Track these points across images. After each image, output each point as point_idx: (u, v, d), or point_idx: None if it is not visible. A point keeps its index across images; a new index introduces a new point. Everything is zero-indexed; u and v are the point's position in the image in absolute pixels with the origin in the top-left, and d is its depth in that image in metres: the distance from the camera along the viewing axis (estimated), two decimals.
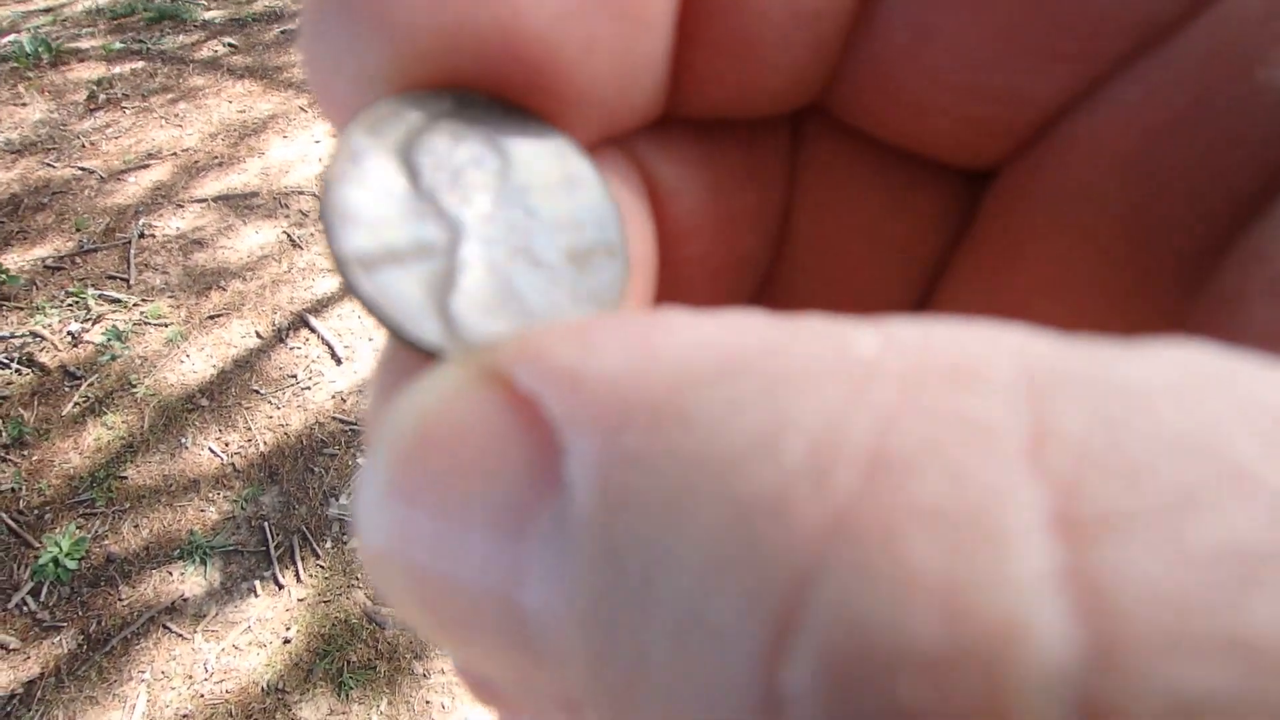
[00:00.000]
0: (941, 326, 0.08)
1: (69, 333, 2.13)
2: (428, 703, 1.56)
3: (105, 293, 2.23)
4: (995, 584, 0.06)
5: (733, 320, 0.08)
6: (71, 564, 1.73)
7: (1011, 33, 0.13)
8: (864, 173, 0.16)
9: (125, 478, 1.88)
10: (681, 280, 0.16)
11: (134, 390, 2.03)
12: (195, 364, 2.09)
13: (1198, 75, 0.13)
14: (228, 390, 2.03)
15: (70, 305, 2.20)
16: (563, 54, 0.12)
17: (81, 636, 1.66)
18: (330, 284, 2.25)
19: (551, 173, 0.12)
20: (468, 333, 0.11)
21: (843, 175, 0.16)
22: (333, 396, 2.00)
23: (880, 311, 0.17)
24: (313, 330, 2.14)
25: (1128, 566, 0.06)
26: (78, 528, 1.79)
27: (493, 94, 0.12)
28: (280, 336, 2.14)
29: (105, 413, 1.99)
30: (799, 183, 0.17)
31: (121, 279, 2.28)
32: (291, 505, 1.83)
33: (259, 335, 2.15)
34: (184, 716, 1.57)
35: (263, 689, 1.60)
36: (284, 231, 2.41)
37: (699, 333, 0.08)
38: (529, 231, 0.11)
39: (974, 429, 0.07)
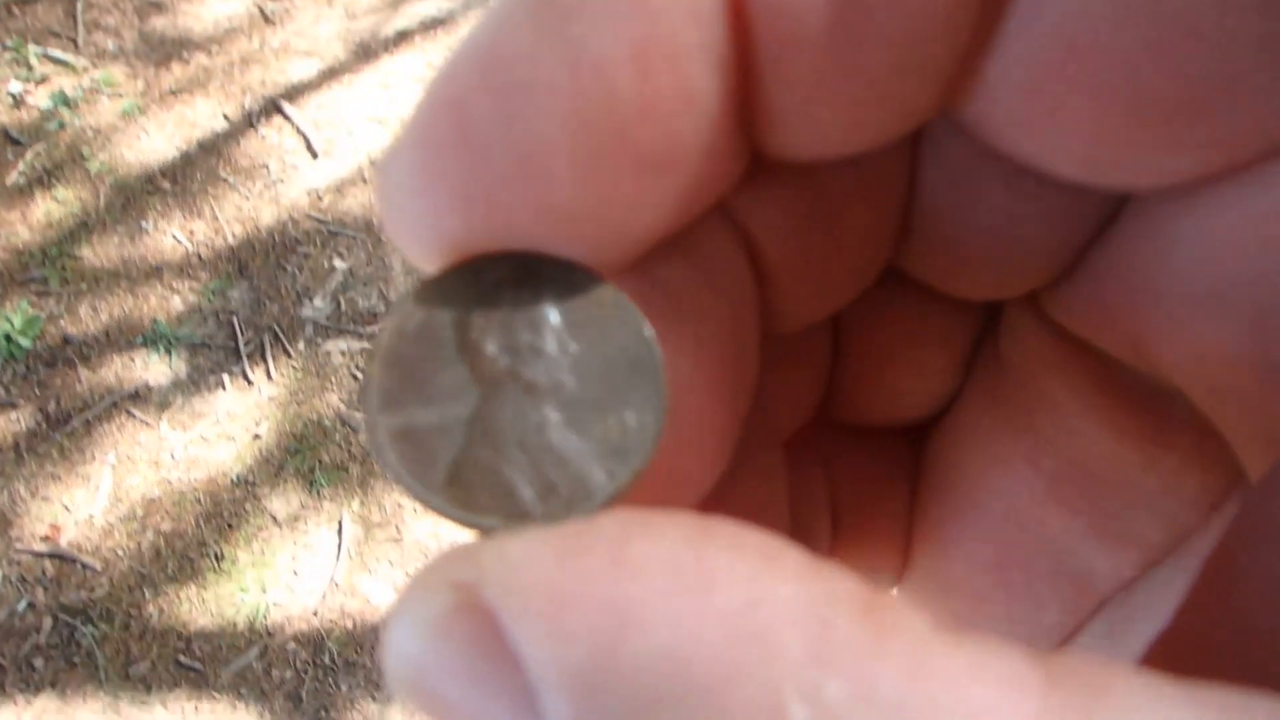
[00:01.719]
0: None
1: (10, 94, 1.93)
2: (400, 505, 1.56)
3: (50, 52, 2.00)
4: None
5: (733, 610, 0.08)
6: (25, 342, 1.65)
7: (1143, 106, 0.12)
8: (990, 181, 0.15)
9: (80, 258, 1.76)
10: (787, 297, 0.16)
11: (86, 164, 1.86)
12: (155, 142, 1.91)
13: None
14: (192, 175, 1.88)
15: (10, 62, 1.97)
16: (599, 212, 0.11)
17: (40, 415, 1.61)
18: (307, 69, 2.04)
19: (607, 340, 0.12)
20: (468, 501, 0.11)
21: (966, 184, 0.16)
22: (308, 193, 1.87)
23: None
24: (287, 118, 1.96)
25: None
26: (30, 305, 1.69)
27: (555, 256, 0.12)
28: (250, 121, 1.96)
29: (55, 185, 1.83)
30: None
31: (68, 38, 2.04)
32: (262, 302, 1.74)
33: (226, 118, 1.96)
34: (151, 500, 1.56)
35: (232, 480, 1.58)
36: (255, 3, 2.16)
37: (667, 633, 0.08)
38: (572, 390, 0.12)
39: None
